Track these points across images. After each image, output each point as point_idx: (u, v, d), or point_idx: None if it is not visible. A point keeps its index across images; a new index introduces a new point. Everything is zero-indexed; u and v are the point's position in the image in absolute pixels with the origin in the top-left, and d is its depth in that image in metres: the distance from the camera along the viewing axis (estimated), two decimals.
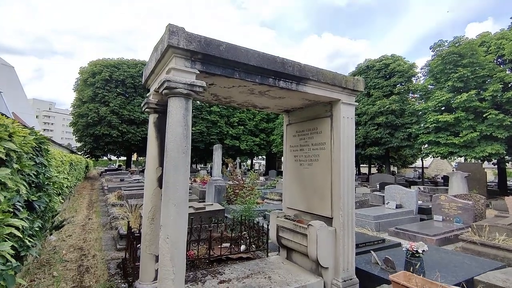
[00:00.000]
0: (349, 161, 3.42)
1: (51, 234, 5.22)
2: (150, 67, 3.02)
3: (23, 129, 3.42)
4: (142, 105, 3.35)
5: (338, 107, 3.44)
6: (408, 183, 20.99)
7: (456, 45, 17.12)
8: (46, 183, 4.34)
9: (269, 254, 4.83)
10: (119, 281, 4.02)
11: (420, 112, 19.44)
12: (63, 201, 7.99)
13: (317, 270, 3.43)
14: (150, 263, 3.07)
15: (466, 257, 4.61)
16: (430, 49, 19.28)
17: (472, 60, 16.18)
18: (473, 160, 16.44)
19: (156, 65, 2.78)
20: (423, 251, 3.47)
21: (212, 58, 2.48)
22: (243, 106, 3.90)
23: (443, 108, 17.76)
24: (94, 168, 37.81)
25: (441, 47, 18.52)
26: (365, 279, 3.61)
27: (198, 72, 2.46)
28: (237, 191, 8.61)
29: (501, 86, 15.19)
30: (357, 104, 3.69)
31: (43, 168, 4.30)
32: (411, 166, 41.22)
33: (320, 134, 3.67)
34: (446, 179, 23.46)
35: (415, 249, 3.48)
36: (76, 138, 26.73)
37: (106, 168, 31.10)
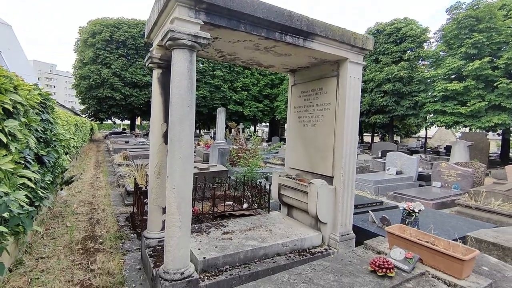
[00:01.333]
0: (353, 122, 3.42)
1: (61, 189, 5.45)
2: (152, 19, 2.92)
3: (28, 84, 3.43)
4: (145, 60, 3.29)
5: (345, 66, 3.35)
6: (410, 152, 21.08)
7: (474, 7, 16.12)
8: (53, 139, 4.44)
9: (270, 212, 5.03)
10: (128, 231, 4.27)
11: (429, 80, 18.93)
12: (70, 160, 8.21)
13: (316, 225, 3.60)
14: (157, 214, 3.22)
15: (460, 219, 4.78)
16: (446, 12, 18.20)
17: (489, 24, 15.33)
18: (478, 131, 16.30)
19: (159, 16, 2.68)
20: (419, 210, 3.60)
21: (216, 8, 2.38)
22: (247, 64, 3.82)
23: (452, 76, 17.26)
24: (99, 132, 38.22)
25: (458, 9, 17.48)
26: (362, 235, 3.79)
27: (202, 23, 2.38)
28: (240, 154, 8.75)
29: None
30: (365, 63, 3.60)
31: (50, 124, 4.38)
32: (415, 136, 41.06)
33: (325, 95, 3.63)
34: (448, 149, 23.47)
35: (412, 208, 3.62)
36: (80, 100, 26.67)
37: (111, 131, 31.40)
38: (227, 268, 2.73)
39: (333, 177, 3.48)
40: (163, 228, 3.27)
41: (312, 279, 1.86)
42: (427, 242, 2.06)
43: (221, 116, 10.25)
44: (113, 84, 24.24)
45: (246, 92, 30.48)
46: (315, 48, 3.04)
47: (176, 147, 2.34)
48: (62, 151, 5.35)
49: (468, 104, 15.71)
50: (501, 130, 17.47)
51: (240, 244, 2.99)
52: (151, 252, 3.02)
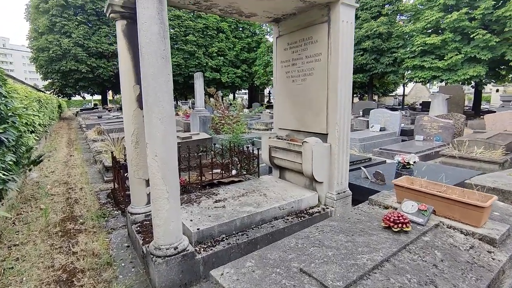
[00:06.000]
0: (347, 72, 3.15)
1: (30, 170, 4.96)
2: None
3: None
4: (105, 10, 2.76)
5: (337, 9, 2.99)
6: (389, 110, 21.45)
7: None
8: (9, 114, 3.88)
9: (261, 176, 4.87)
10: (111, 208, 3.97)
11: (407, 36, 18.71)
12: (37, 139, 7.53)
13: (311, 186, 3.46)
14: (140, 188, 2.93)
15: (448, 168, 4.84)
16: None
17: None
18: (453, 84, 16.64)
19: None
20: (414, 162, 3.53)
21: None
22: (226, 13, 3.34)
23: (430, 31, 17.10)
24: (69, 109, 35.86)
25: None
26: (356, 192, 3.70)
27: None
28: (222, 121, 8.39)
29: (493, 2, 14.47)
30: (358, 5, 3.24)
31: (2, 98, 3.79)
32: (392, 94, 41.81)
33: (315, 44, 3.29)
34: (424, 105, 24.09)
35: (407, 161, 3.53)
36: (41, 76, 24.40)
37: (81, 108, 29.51)
38: (223, 238, 2.54)
39: (327, 134, 3.28)
40: (149, 202, 2.99)
41: (322, 241, 1.69)
42: (439, 192, 1.93)
43: (199, 82, 9.64)
44: (77, 55, 22.17)
45: (222, 58, 29.04)
46: None
47: (153, 108, 1.99)
48: (25, 128, 4.78)
49: (445, 58, 15.79)
50: (474, 83, 17.96)
51: (235, 211, 2.80)
52: (138, 228, 2.77)
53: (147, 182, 2.94)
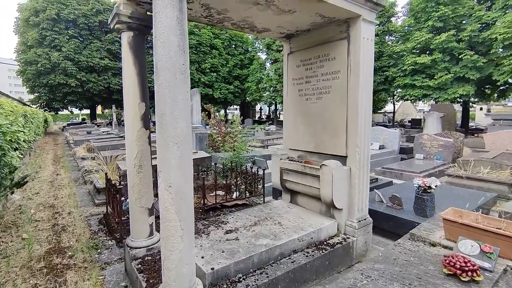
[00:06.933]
0: (368, 91, 2.97)
1: (12, 193, 4.49)
2: None
3: None
4: (110, 20, 2.51)
5: (358, 25, 2.84)
6: (382, 127, 21.66)
7: None
8: None
9: (266, 199, 4.56)
10: (104, 237, 3.56)
11: (396, 56, 19.21)
12: (22, 156, 7.02)
13: (327, 212, 3.18)
14: (142, 217, 2.58)
15: (459, 190, 4.67)
16: None
17: None
18: (444, 102, 16.99)
19: None
20: (436, 185, 3.32)
21: None
22: (238, 27, 3.15)
23: (419, 51, 17.61)
24: (55, 124, 34.79)
25: None
26: (372, 217, 3.46)
27: None
28: (219, 138, 8.10)
29: (479, 26, 15.09)
30: (378, 22, 3.10)
31: None
32: (381, 111, 42.65)
33: (333, 61, 3.11)
34: (414, 122, 24.57)
35: (428, 185, 3.32)
36: (28, 89, 23.65)
37: (69, 122, 28.65)
38: (240, 278, 2.21)
39: (346, 156, 3.04)
40: (151, 234, 2.65)
41: None
42: (501, 229, 1.70)
43: (195, 98, 9.38)
44: (66, 69, 21.67)
45: (215, 74, 29.07)
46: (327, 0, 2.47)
47: (168, 130, 1.70)
48: (9, 146, 4.37)
49: (435, 77, 16.20)
50: (462, 101, 18.44)
51: (251, 245, 2.47)
52: (139, 266, 2.40)
53: (150, 211, 2.61)
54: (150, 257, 2.52)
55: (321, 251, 2.67)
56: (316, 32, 3.26)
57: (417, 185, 3.40)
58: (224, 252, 2.35)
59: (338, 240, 2.89)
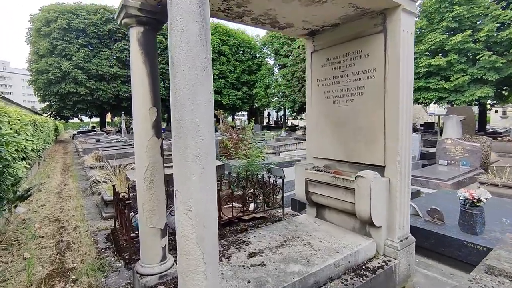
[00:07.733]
0: (409, 91, 2.60)
1: (16, 206, 4.23)
2: None
3: None
4: (117, 15, 2.21)
5: (397, 16, 2.48)
6: None
7: None
8: None
9: (285, 211, 4.20)
10: (112, 258, 3.23)
11: None
12: (29, 167, 6.82)
13: (362, 230, 2.79)
14: (153, 239, 2.24)
15: (503, 200, 4.22)
16: None
17: None
18: (461, 105, 16.37)
19: None
20: (486, 198, 2.89)
21: None
22: (258, 22, 2.83)
23: (431, 53, 17.08)
24: (65, 132, 35.18)
25: None
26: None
27: None
28: (231, 145, 7.78)
29: (497, 25, 14.53)
30: (418, 13, 2.74)
31: None
32: None
33: (366, 58, 2.75)
34: (426, 125, 23.87)
35: (477, 197, 2.90)
36: (39, 98, 23.96)
37: (79, 130, 28.89)
38: None
39: (384, 166, 2.66)
40: (164, 257, 2.30)
41: None
42: None
43: None
44: (76, 78, 21.88)
45: (223, 80, 29.00)
46: None
47: (188, 140, 1.37)
48: (14, 156, 4.13)
49: (451, 79, 15.63)
50: (479, 104, 17.78)
51: (281, 273, 2.10)
52: None
53: (163, 232, 2.27)
54: (163, 286, 2.17)
55: (360, 278, 2.27)
56: (345, 26, 2.91)
57: (463, 198, 2.98)
58: (250, 283, 1.99)
59: (378, 263, 2.49)
